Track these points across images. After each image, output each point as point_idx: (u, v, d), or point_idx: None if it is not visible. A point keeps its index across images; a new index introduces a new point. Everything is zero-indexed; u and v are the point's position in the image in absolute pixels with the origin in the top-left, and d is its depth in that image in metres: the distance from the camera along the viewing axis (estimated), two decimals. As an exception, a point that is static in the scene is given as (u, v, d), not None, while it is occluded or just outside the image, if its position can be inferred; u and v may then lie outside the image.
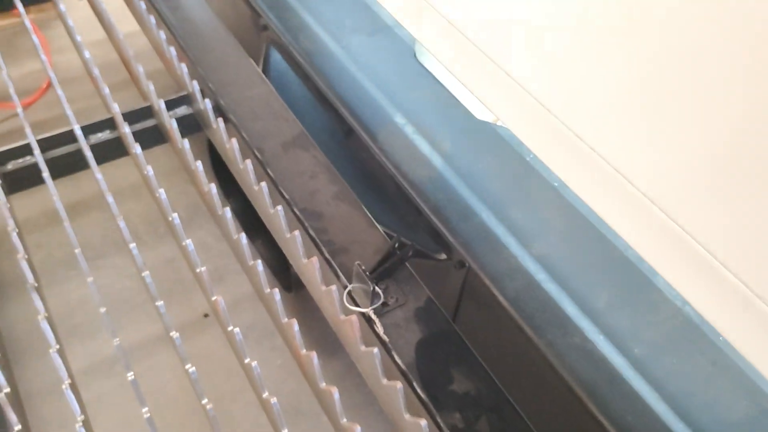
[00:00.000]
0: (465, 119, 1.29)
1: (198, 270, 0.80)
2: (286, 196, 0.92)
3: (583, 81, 0.68)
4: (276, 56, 1.39)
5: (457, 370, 0.78)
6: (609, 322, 0.99)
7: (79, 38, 1.24)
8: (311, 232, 0.88)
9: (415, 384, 0.76)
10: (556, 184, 1.20)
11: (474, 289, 1.02)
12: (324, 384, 0.71)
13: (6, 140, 1.08)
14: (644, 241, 0.68)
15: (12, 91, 1.06)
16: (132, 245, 0.84)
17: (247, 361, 0.73)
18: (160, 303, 0.78)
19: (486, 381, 0.78)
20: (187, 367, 0.73)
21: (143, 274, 0.82)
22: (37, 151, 0.99)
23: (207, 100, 1.00)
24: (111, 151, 1.08)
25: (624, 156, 0.65)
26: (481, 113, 1.34)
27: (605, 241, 1.10)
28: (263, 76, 1.12)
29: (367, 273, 0.78)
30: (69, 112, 1.03)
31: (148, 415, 0.68)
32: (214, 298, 0.78)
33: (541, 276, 1.04)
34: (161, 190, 0.88)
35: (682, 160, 0.60)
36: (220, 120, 0.96)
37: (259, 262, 0.79)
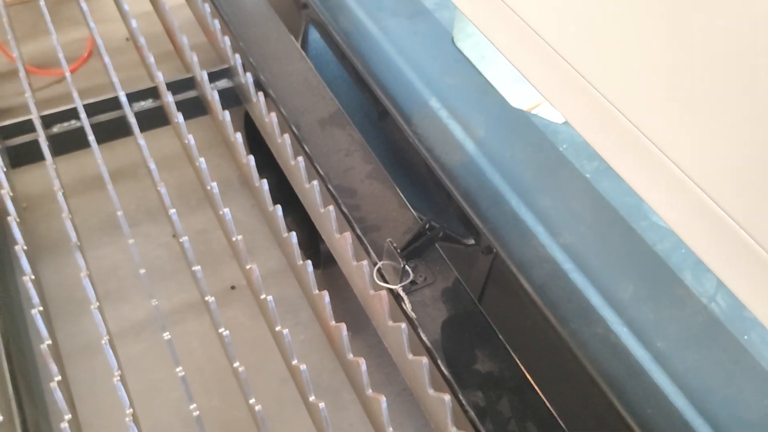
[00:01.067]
0: (500, 106, 1.30)
1: (234, 239, 0.82)
2: (321, 172, 0.94)
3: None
4: (314, 35, 1.41)
5: (480, 351, 0.80)
6: (633, 314, 0.99)
7: (126, 7, 1.26)
8: (344, 208, 0.90)
9: (439, 361, 0.78)
10: (588, 176, 1.20)
11: (500, 275, 1.03)
12: (351, 355, 0.73)
13: (51, 105, 1.11)
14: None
15: (61, 55, 1.08)
16: (172, 211, 0.86)
17: (278, 328, 0.75)
18: (197, 268, 0.81)
19: (509, 363, 0.79)
20: (220, 330, 0.75)
21: (182, 240, 0.84)
22: (83, 115, 1.01)
23: (248, 74, 1.01)
24: (153, 120, 1.11)
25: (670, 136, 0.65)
26: (515, 100, 1.34)
27: (634, 235, 1.10)
28: (303, 53, 1.13)
29: (398, 250, 0.79)
30: (115, 79, 1.06)
31: (183, 374, 0.71)
32: (248, 267, 0.80)
33: (567, 265, 1.04)
34: (201, 159, 0.90)
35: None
36: (260, 94, 0.97)
37: (293, 234, 0.81)
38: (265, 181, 0.85)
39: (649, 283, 1.04)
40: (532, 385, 0.79)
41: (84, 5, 1.18)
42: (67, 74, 1.07)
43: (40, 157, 1.01)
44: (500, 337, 0.81)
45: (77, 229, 0.87)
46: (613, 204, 1.13)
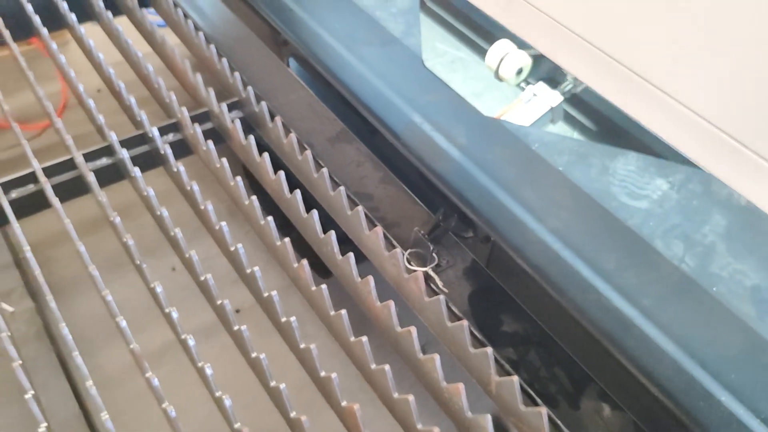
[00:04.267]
0: (474, 116, 1.45)
1: (248, 270, 0.92)
2: (339, 182, 1.06)
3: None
4: (296, 67, 1.54)
5: (504, 315, 0.93)
6: (618, 280, 1.14)
7: (101, 56, 1.33)
8: (365, 210, 1.02)
9: (472, 328, 0.90)
10: (560, 168, 1.36)
11: (499, 260, 1.17)
12: (374, 365, 0.83)
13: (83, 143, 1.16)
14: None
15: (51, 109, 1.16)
16: (222, 223, 0.95)
17: (303, 346, 0.84)
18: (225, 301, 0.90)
19: (531, 323, 0.92)
20: (254, 355, 0.84)
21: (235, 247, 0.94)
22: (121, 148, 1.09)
23: (263, 103, 1.13)
24: (147, 162, 1.17)
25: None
26: (486, 110, 1.49)
27: (608, 215, 1.26)
28: (301, 82, 1.26)
29: (426, 236, 0.92)
30: (106, 130, 1.12)
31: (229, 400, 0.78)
32: (266, 295, 0.88)
33: (557, 245, 1.19)
34: (238, 177, 0.99)
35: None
36: (278, 118, 1.09)
37: (305, 262, 0.91)
38: (271, 218, 0.95)
39: (627, 253, 1.20)
40: (553, 339, 0.92)
41: (62, 57, 1.25)
42: (23, 141, 1.11)
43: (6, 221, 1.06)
44: (519, 303, 0.94)
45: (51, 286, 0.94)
46: (586, 190, 1.30)
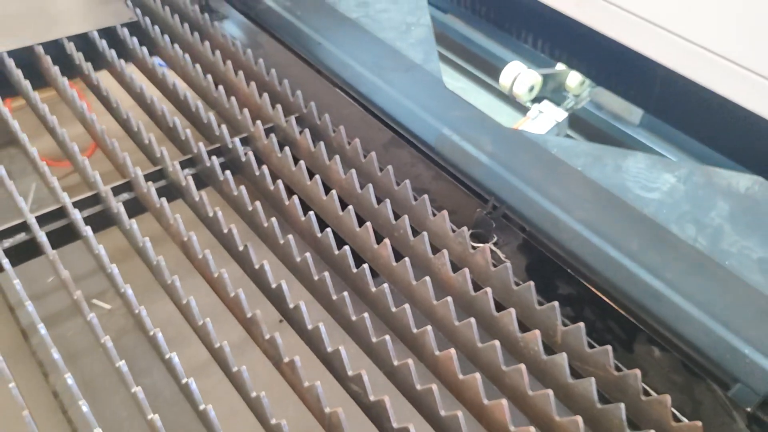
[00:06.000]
0: (496, 127, 1.62)
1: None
2: (397, 180, 1.21)
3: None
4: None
5: (558, 281, 1.07)
6: (643, 260, 1.29)
7: (116, 101, 1.44)
8: (426, 201, 1.16)
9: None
10: (579, 168, 1.52)
11: (534, 248, 1.32)
12: (462, 375, 0.93)
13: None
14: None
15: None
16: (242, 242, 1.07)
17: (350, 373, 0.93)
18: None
19: (582, 287, 1.07)
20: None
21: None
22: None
23: (326, 115, 1.28)
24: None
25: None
26: (507, 122, 1.66)
27: (626, 205, 1.43)
28: (350, 99, 1.41)
29: (489, 216, 1.06)
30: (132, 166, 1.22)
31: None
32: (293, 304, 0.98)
33: (585, 233, 1.34)
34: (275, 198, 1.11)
35: None
36: (341, 127, 1.24)
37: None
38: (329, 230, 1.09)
39: (647, 237, 1.36)
40: (602, 299, 1.06)
41: (82, 103, 1.36)
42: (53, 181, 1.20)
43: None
44: (569, 270, 1.09)
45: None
46: (604, 185, 1.46)
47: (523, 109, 2.12)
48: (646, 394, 0.93)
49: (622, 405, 0.85)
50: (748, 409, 0.96)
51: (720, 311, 1.21)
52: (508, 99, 2.21)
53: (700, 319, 1.19)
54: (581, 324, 0.94)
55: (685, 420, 0.95)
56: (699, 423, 0.85)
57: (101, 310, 1.36)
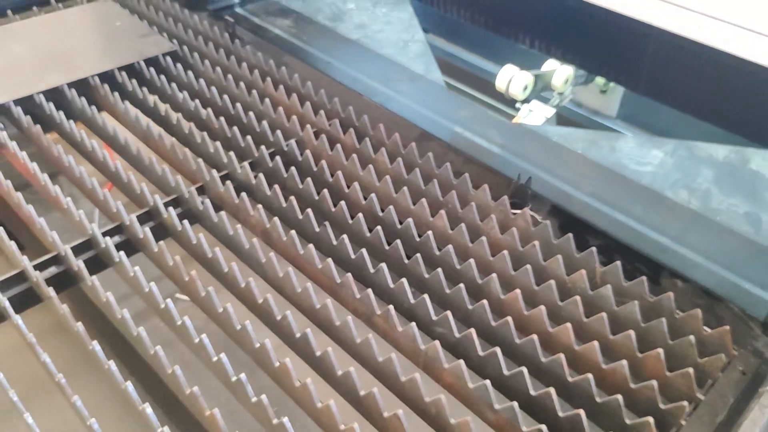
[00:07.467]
0: (502, 123, 1.81)
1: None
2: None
3: None
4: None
5: (588, 237, 1.25)
6: (648, 220, 1.49)
7: (125, 137, 1.55)
8: (467, 179, 1.33)
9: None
10: (580, 151, 1.72)
11: (556, 221, 1.50)
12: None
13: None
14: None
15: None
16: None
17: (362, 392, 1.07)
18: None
19: (610, 239, 1.25)
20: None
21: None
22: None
23: (364, 116, 1.45)
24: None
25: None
26: (512, 118, 1.85)
27: (624, 178, 1.63)
28: (379, 104, 1.59)
29: (525, 184, 1.24)
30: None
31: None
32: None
33: (595, 204, 1.54)
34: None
35: None
36: (381, 125, 1.41)
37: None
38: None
39: (647, 202, 1.55)
40: (630, 247, 1.25)
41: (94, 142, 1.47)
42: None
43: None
44: (596, 227, 1.27)
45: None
46: (604, 164, 1.67)
47: (508, 115, 2.33)
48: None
49: (663, 319, 1.03)
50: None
51: (717, 256, 1.41)
52: (495, 105, 2.43)
53: (704, 265, 1.39)
54: (618, 262, 1.12)
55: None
56: (727, 327, 1.04)
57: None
